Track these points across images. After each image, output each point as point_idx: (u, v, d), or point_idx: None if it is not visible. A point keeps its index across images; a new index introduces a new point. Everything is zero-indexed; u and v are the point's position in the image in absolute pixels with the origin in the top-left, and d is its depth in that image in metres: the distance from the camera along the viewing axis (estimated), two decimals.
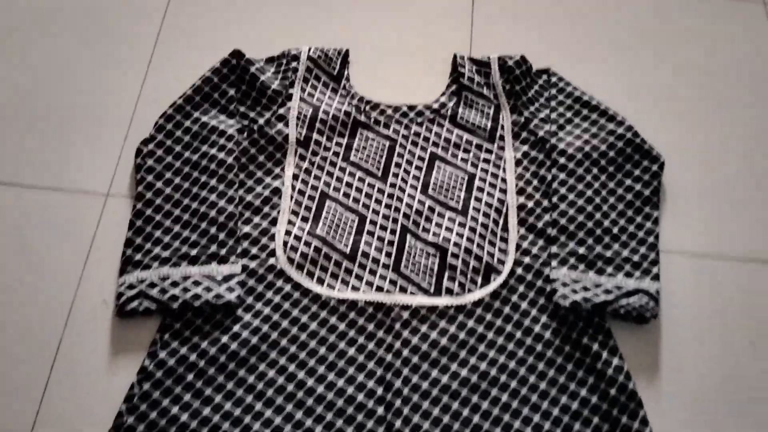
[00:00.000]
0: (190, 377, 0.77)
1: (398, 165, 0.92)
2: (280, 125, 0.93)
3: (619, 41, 1.07)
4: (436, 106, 0.98)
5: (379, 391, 0.77)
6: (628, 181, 0.90)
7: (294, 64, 0.98)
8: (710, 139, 0.98)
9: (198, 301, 0.79)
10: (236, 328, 0.80)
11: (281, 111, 0.94)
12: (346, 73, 1.00)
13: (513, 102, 0.97)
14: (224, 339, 0.79)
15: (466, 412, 0.76)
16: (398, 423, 0.75)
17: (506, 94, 0.98)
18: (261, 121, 0.93)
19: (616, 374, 0.78)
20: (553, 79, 0.99)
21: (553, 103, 0.97)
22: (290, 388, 0.77)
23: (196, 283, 0.81)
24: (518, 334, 0.81)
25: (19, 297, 0.82)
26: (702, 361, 0.82)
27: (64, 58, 1.00)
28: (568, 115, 0.96)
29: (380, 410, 0.76)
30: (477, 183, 0.91)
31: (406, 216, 0.88)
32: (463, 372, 0.79)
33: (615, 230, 0.87)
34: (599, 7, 1.10)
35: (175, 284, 0.80)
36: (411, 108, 0.97)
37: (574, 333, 0.81)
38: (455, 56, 1.01)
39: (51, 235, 0.86)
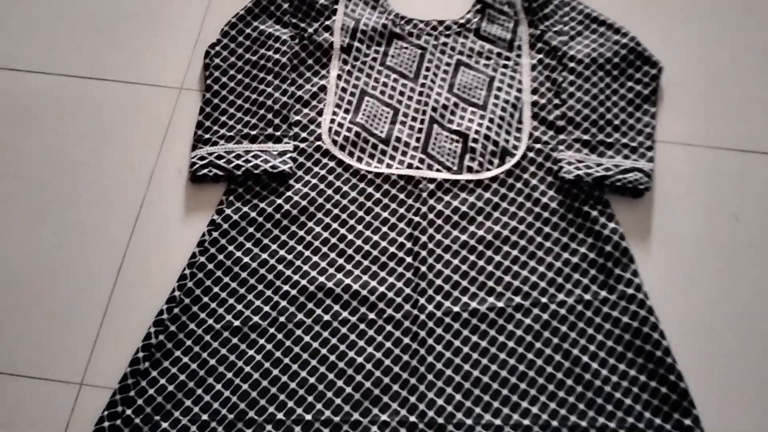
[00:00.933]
0: (250, 229, 0.92)
1: (428, 69, 1.06)
2: (326, 34, 1.08)
3: None
4: (462, 21, 1.11)
5: (408, 244, 0.91)
6: (630, 83, 1.02)
7: None
8: (705, 41, 1.09)
9: (258, 169, 0.94)
10: (289, 193, 0.94)
11: (327, 23, 1.09)
12: None
13: (530, 18, 1.10)
14: (279, 201, 0.94)
15: (481, 262, 0.90)
16: (423, 268, 0.89)
17: (525, 11, 1.10)
18: (310, 30, 1.08)
19: (612, 235, 0.90)
20: None
21: (566, 19, 1.09)
22: (333, 240, 0.91)
23: (256, 156, 0.95)
24: (528, 204, 0.94)
25: (106, 170, 0.98)
26: (689, 230, 0.94)
27: None
28: (579, 28, 1.08)
29: (408, 259, 0.90)
30: (496, 84, 1.04)
31: (434, 109, 1.02)
32: (480, 232, 0.92)
33: (616, 122, 0.99)
34: None
35: (238, 156, 0.95)
36: (440, 23, 1.10)
37: (576, 202, 0.94)
38: None
39: (133, 121, 1.02)
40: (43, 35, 1.10)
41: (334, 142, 0.99)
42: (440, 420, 0.80)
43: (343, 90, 1.03)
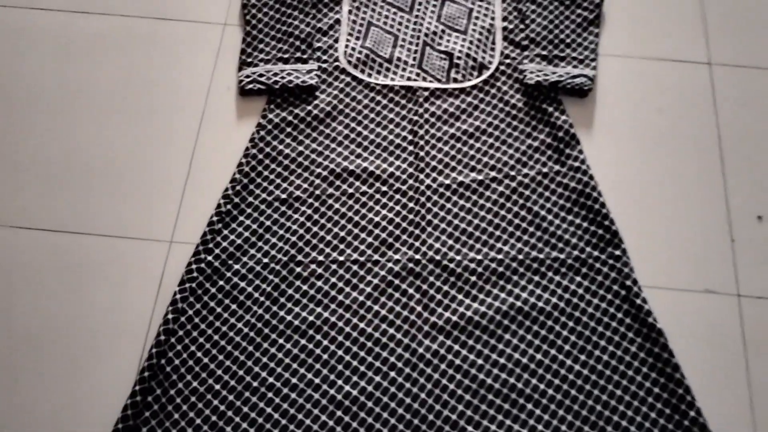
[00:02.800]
0: (288, 129, 1.18)
1: (420, 3, 1.31)
2: None
3: None
4: None
5: (409, 136, 1.17)
6: (578, 10, 1.28)
7: None
8: None
9: (291, 84, 1.20)
10: (316, 101, 1.20)
11: None
12: None
13: None
14: (308, 107, 1.20)
15: (465, 148, 1.17)
16: (422, 153, 1.15)
17: None
18: None
19: (563, 124, 1.17)
20: None
21: None
22: (352, 135, 1.18)
23: (289, 74, 1.21)
24: (500, 104, 1.21)
25: (174, 87, 1.23)
26: (622, 120, 1.21)
27: None
28: None
29: (410, 147, 1.17)
30: (474, 14, 1.30)
31: (426, 35, 1.27)
32: (464, 126, 1.19)
33: (567, 41, 1.25)
34: None
35: (275, 74, 1.21)
36: None
37: (536, 102, 1.20)
38: None
39: (191, 50, 1.27)
40: None
41: (349, 62, 1.25)
42: (437, 257, 1.07)
43: (353, 22, 1.29)
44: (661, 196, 1.14)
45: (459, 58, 1.25)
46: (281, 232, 1.10)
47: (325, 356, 1.01)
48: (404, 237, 1.09)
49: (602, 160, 1.16)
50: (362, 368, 1.00)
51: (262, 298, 1.04)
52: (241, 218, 1.10)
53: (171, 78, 1.24)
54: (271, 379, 0.99)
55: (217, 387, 0.98)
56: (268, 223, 1.10)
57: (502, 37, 1.27)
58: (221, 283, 1.05)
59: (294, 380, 0.99)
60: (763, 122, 1.20)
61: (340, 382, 0.99)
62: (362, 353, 1.01)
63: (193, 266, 1.06)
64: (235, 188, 1.12)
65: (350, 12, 1.30)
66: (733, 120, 1.20)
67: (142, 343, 1.02)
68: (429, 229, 1.10)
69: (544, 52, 1.24)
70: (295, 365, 1.00)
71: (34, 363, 1.01)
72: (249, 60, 1.23)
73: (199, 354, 1.01)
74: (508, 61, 1.25)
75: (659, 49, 1.28)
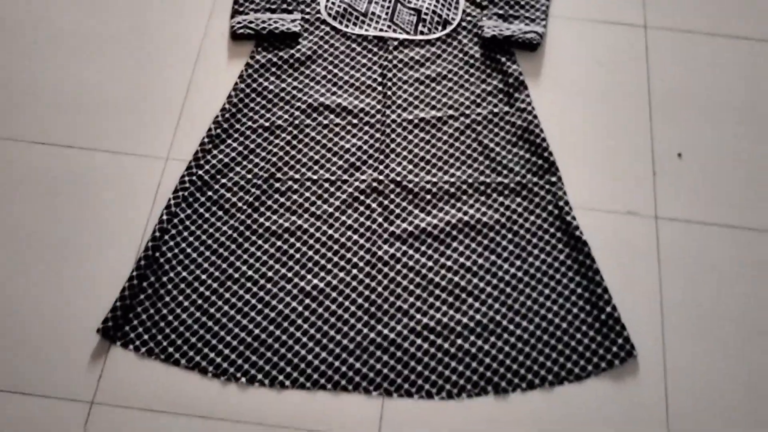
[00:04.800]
0: (273, 69, 1.32)
1: None
2: None
3: None
4: None
5: (380, 79, 1.32)
6: None
7: None
8: None
9: (277, 30, 1.34)
10: (299, 46, 1.35)
11: None
12: None
13: None
14: (292, 51, 1.34)
15: (427, 90, 1.31)
16: (389, 93, 1.30)
17: None
18: None
19: (514, 72, 1.32)
20: None
21: None
22: (328, 76, 1.32)
23: (276, 21, 1.35)
24: (460, 54, 1.36)
25: (174, 31, 1.37)
26: (565, 71, 1.35)
27: None
28: None
29: (380, 87, 1.31)
30: None
31: None
32: (428, 72, 1.33)
33: (522, 2, 1.40)
34: None
35: (263, 22, 1.35)
36: None
37: (491, 53, 1.35)
38: None
39: (187, 3, 1.41)
40: None
41: (329, 14, 1.39)
42: (398, 179, 1.22)
43: None
44: (595, 135, 1.29)
45: (426, 14, 1.39)
46: (263, 153, 1.24)
47: (298, 255, 1.15)
48: (370, 161, 1.24)
49: (546, 103, 1.31)
50: (329, 266, 1.14)
51: (244, 207, 1.19)
52: (229, 141, 1.25)
53: (172, 23, 1.39)
54: (249, 272, 1.13)
55: (203, 277, 1.13)
56: (252, 146, 1.24)
57: None
58: (209, 193, 1.20)
59: (270, 273, 1.13)
60: (689, 78, 1.35)
61: (309, 276, 1.13)
62: (329, 254, 1.15)
63: (186, 178, 1.20)
64: (224, 115, 1.26)
65: None
66: (662, 75, 1.35)
67: (139, 239, 1.16)
68: (392, 155, 1.24)
69: (501, 12, 1.38)
70: (271, 262, 1.14)
71: (44, 252, 1.15)
72: (240, 9, 1.37)
73: (188, 250, 1.15)
74: (469, 18, 1.40)
75: (602, 12, 1.43)
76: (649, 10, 1.43)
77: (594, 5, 1.44)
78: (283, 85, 1.31)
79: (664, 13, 1.42)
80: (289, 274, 1.13)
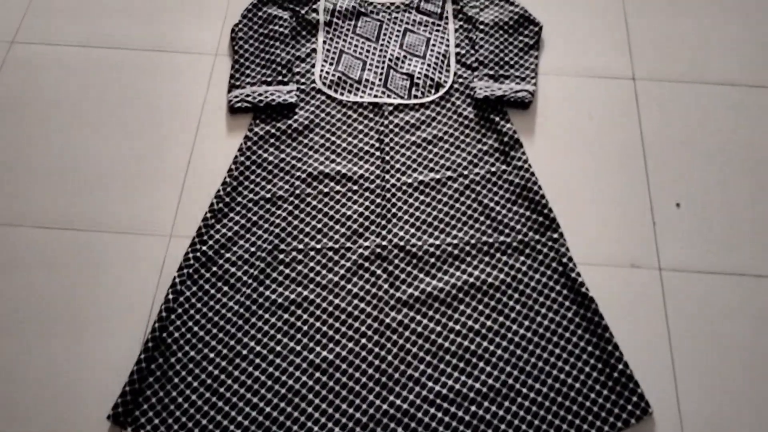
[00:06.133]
0: (272, 140, 1.33)
1: (385, 34, 1.48)
2: (313, 14, 1.49)
3: None
4: (407, 2, 1.53)
5: (377, 144, 1.33)
6: (520, 37, 1.45)
7: None
8: (567, 10, 1.53)
9: (274, 102, 1.35)
10: (295, 116, 1.36)
11: (314, 6, 1.50)
12: None
13: None
14: (289, 121, 1.35)
15: (424, 153, 1.32)
16: (387, 157, 1.30)
17: None
18: (302, 12, 1.49)
19: (508, 131, 1.33)
20: None
21: None
22: (327, 144, 1.33)
23: (272, 94, 1.37)
24: (454, 116, 1.37)
25: (173, 105, 1.38)
26: (558, 126, 1.36)
27: None
28: (486, 3, 1.50)
29: (377, 153, 1.32)
30: (431, 42, 1.47)
31: (390, 60, 1.44)
32: (423, 134, 1.34)
33: (511, 62, 1.42)
34: None
35: (260, 95, 1.36)
36: (392, 4, 1.53)
37: (485, 113, 1.36)
38: None
39: (186, 76, 1.42)
40: (86, 17, 1.50)
41: (324, 83, 1.40)
42: (401, 243, 1.21)
43: (328, 50, 1.45)
44: (593, 189, 1.29)
45: (419, 78, 1.41)
46: (266, 225, 1.23)
47: (305, 328, 1.13)
48: (372, 227, 1.23)
49: (542, 160, 1.31)
50: (337, 336, 1.13)
51: (250, 281, 1.17)
52: (231, 215, 1.24)
53: (171, 99, 1.39)
54: (258, 348, 1.11)
55: (211, 355, 1.11)
56: (254, 218, 1.24)
57: (456, 60, 1.44)
58: (214, 268, 1.19)
59: (278, 348, 1.11)
60: (680, 126, 1.36)
61: (318, 348, 1.12)
62: (337, 324, 1.14)
63: (190, 255, 1.19)
64: (225, 189, 1.26)
65: (325, 42, 1.46)
66: (654, 124, 1.36)
67: (146, 320, 1.15)
68: (394, 220, 1.24)
69: (491, 72, 1.40)
70: (279, 336, 1.13)
71: (50, 337, 1.13)
72: (237, 83, 1.38)
73: (195, 328, 1.13)
74: (460, 80, 1.41)
75: (590, 66, 1.45)
76: (636, 61, 1.45)
77: (581, 60, 1.46)
78: (283, 156, 1.31)
79: (651, 64, 1.44)
80: (298, 348, 1.12)
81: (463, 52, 1.45)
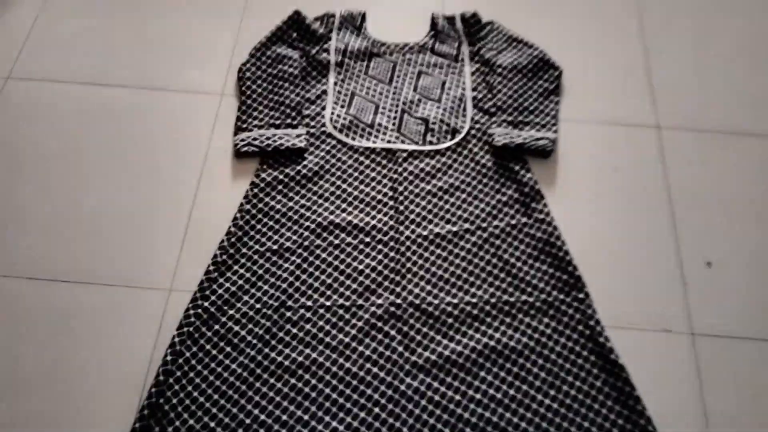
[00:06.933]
0: (279, 186, 1.25)
1: (398, 77, 1.41)
2: (324, 54, 1.43)
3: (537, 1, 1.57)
4: (421, 43, 1.47)
5: (390, 193, 1.25)
6: (540, 81, 1.39)
7: (332, 19, 1.48)
8: (589, 55, 1.47)
9: (282, 146, 1.27)
10: (305, 162, 1.28)
11: (325, 46, 1.44)
12: (364, 25, 1.49)
13: (469, 39, 1.46)
14: (298, 167, 1.27)
15: (441, 203, 1.24)
16: (401, 207, 1.23)
17: (465, 35, 1.47)
18: (313, 51, 1.43)
19: (529, 181, 1.25)
20: (495, 26, 1.47)
21: (494, 39, 1.45)
22: (337, 192, 1.25)
23: (280, 138, 1.29)
24: (471, 164, 1.29)
25: (177, 151, 1.30)
26: (581, 177, 1.29)
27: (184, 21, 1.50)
28: (504, 45, 1.44)
29: (391, 202, 1.24)
30: (447, 85, 1.40)
31: (404, 103, 1.37)
32: (439, 183, 1.26)
33: (531, 108, 1.35)
34: None
35: (268, 138, 1.29)
36: (405, 44, 1.46)
37: (503, 161, 1.29)
38: (432, 14, 1.50)
39: (190, 119, 1.35)
40: (88, 52, 1.43)
41: (335, 127, 1.33)
42: (417, 302, 1.13)
43: (339, 92, 1.38)
44: (618, 245, 1.22)
45: (434, 123, 1.34)
46: (272, 280, 1.15)
47: (314, 394, 1.04)
48: (386, 283, 1.15)
49: (564, 212, 1.24)
50: (348, 405, 1.04)
51: (254, 341, 1.09)
52: (236, 267, 1.16)
53: (173, 142, 1.32)
54: (262, 416, 1.02)
55: (212, 425, 1.01)
56: (260, 272, 1.15)
57: (473, 105, 1.37)
58: (216, 327, 1.10)
59: (284, 417, 1.02)
60: (708, 177, 1.29)
61: (327, 418, 1.02)
62: (348, 391, 1.05)
63: (191, 312, 1.10)
64: (230, 240, 1.18)
65: (336, 84, 1.39)
66: (681, 176, 1.29)
67: (141, 383, 1.05)
68: (409, 275, 1.16)
69: (510, 118, 1.33)
70: (285, 403, 1.03)
71: (39, 400, 1.03)
72: (244, 126, 1.31)
73: (195, 393, 1.04)
74: (478, 126, 1.34)
75: (612, 114, 1.38)
76: (660, 109, 1.38)
77: (603, 107, 1.39)
78: (291, 204, 1.23)
79: (676, 112, 1.38)
80: (306, 417, 1.02)
81: (480, 96, 1.38)
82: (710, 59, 1.46)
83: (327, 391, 1.05)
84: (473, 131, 1.34)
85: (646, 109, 1.38)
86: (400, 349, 1.08)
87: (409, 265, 1.17)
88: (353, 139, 1.32)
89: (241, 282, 1.14)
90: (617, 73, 1.44)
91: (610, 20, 1.52)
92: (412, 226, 1.21)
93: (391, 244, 1.19)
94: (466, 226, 1.22)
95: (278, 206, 1.23)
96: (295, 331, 1.10)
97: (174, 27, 1.49)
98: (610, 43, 1.49)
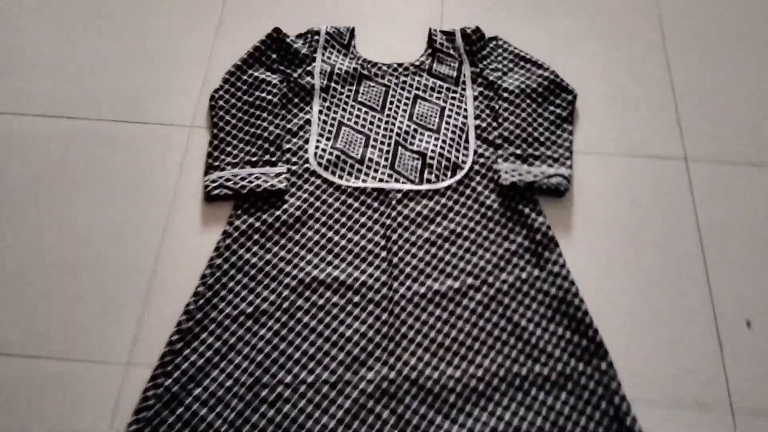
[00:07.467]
0: (256, 236, 1.09)
1: (392, 102, 1.24)
2: (308, 78, 1.26)
3: (546, 11, 1.39)
4: (417, 63, 1.30)
5: (382, 242, 1.09)
6: (551, 107, 1.22)
7: (316, 37, 1.31)
8: (608, 75, 1.30)
9: (259, 188, 1.11)
10: (285, 206, 1.12)
11: (309, 68, 1.27)
12: (353, 43, 1.32)
13: (471, 58, 1.29)
14: (277, 212, 1.11)
15: (440, 253, 1.08)
16: (395, 260, 1.06)
17: (466, 54, 1.30)
18: (295, 75, 1.26)
19: (541, 226, 1.09)
20: (500, 42, 1.31)
21: (499, 58, 1.29)
22: (323, 241, 1.08)
23: (257, 177, 1.13)
24: (475, 206, 1.13)
25: (136, 193, 1.14)
26: (599, 219, 1.13)
27: (158, 37, 1.33)
28: (510, 65, 1.27)
29: (383, 253, 1.08)
30: (446, 112, 1.23)
31: (398, 134, 1.20)
32: (438, 229, 1.10)
33: (541, 138, 1.18)
34: None
35: (243, 179, 1.12)
36: (399, 65, 1.29)
37: (512, 203, 1.13)
38: (430, 29, 1.33)
39: (155, 154, 1.18)
40: (49, 80, 1.26)
41: (319, 164, 1.17)
42: (413, 376, 0.97)
43: (324, 122, 1.22)
44: (645, 301, 1.06)
45: (432, 158, 1.17)
46: (246, 350, 0.99)
47: None
48: (378, 352, 0.99)
49: (582, 263, 1.08)
50: None
51: (224, 427, 0.93)
52: (204, 335, 1.00)
53: (135, 183, 1.15)
54: None
55: None
56: (232, 340, 0.99)
57: (476, 135, 1.21)
58: (180, 410, 0.94)
59: None
60: (743, 219, 1.13)
61: None
62: None
63: (150, 392, 0.94)
64: (197, 303, 1.02)
65: (320, 112, 1.23)
66: (713, 217, 1.13)
67: None
68: (404, 342, 1.00)
69: (518, 151, 1.17)
70: None
71: None
72: (216, 164, 1.14)
73: None
74: (482, 160, 1.18)
75: (634, 145, 1.21)
76: (687, 139, 1.22)
77: (623, 137, 1.22)
78: (269, 257, 1.07)
79: (706, 143, 1.21)
80: None
81: (484, 125, 1.21)
82: (740, 84, 1.29)
83: None
84: (477, 167, 1.17)
85: (671, 138, 1.22)
86: None
87: (404, 330, 1.01)
88: (340, 177, 1.15)
89: (209, 354, 0.98)
90: (639, 98, 1.27)
91: (631, 39, 1.35)
92: (408, 282, 1.05)
93: (384, 304, 1.03)
94: (470, 281, 1.06)
95: (254, 260, 1.07)
96: (271, 413, 0.94)
97: (137, 48, 1.32)
98: (631, 64, 1.32)
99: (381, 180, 1.15)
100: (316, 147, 1.18)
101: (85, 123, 1.21)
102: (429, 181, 1.15)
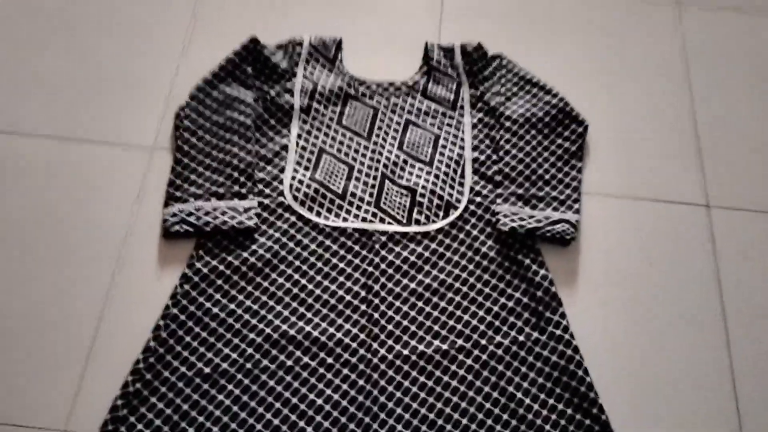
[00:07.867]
0: (219, 281, 0.95)
1: (380, 128, 1.11)
2: (287, 96, 1.12)
3: (555, 32, 1.25)
4: (410, 82, 1.16)
5: (362, 293, 0.95)
6: (559, 140, 1.09)
7: (298, 49, 1.16)
8: (624, 107, 1.17)
9: (225, 225, 0.97)
10: (254, 246, 0.98)
11: (288, 85, 1.13)
12: (340, 56, 1.18)
13: (471, 79, 1.15)
14: (245, 254, 0.97)
15: (427, 308, 0.95)
16: (376, 315, 0.93)
17: (466, 74, 1.16)
18: (272, 92, 1.12)
19: (543, 281, 0.96)
20: (503, 62, 1.17)
21: (503, 80, 1.15)
22: (295, 290, 0.95)
23: (224, 213, 0.99)
24: (469, 253, 1.00)
25: (83, 228, 1.00)
26: (610, 275, 1.00)
27: (116, 51, 1.18)
28: (514, 89, 1.14)
29: (363, 306, 0.94)
30: (441, 141, 1.10)
31: (386, 166, 1.06)
32: (427, 280, 0.97)
33: (547, 177, 1.05)
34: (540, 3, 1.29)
35: (207, 213, 0.99)
36: (391, 84, 1.15)
37: (511, 251, 1.00)
38: (426, 44, 1.19)
39: (108, 180, 1.04)
40: (17, 98, 1.12)
41: (295, 198, 1.03)
42: None
43: (303, 148, 1.08)
44: (658, 372, 0.93)
45: (422, 195, 1.04)
46: (201, 419, 0.86)
47: None
48: (352, 426, 0.86)
49: (588, 326, 0.95)
50: None
51: None
52: (153, 400, 0.86)
53: (85, 214, 1.01)
54: None
55: None
56: (185, 407, 0.86)
57: (473, 170, 1.07)
58: None
59: None
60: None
61: None
62: None
63: None
64: (147, 361, 0.88)
65: (299, 137, 1.09)
66: (736, 273, 1.00)
67: None
68: (382, 416, 0.87)
69: (520, 191, 1.03)
70: None
71: None
72: (177, 194, 1.01)
73: None
74: (478, 199, 1.04)
75: (650, 188, 1.08)
76: (710, 184, 1.08)
77: (639, 178, 1.09)
78: (232, 306, 0.94)
79: (731, 189, 1.08)
80: None
81: (482, 158, 1.08)
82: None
83: None
84: (472, 207, 1.04)
85: (692, 183, 1.09)
86: None
87: (383, 399, 0.88)
88: (318, 214, 1.02)
89: (158, 422, 0.85)
90: (657, 135, 1.13)
91: (651, 70, 1.21)
92: (390, 342, 0.92)
93: (361, 367, 0.90)
94: (460, 342, 0.93)
95: (216, 310, 0.93)
96: None
97: (94, 58, 1.17)
98: (649, 97, 1.18)
99: (364, 219, 1.02)
100: (293, 178, 1.05)
101: (28, 141, 1.07)
102: (418, 222, 1.02)
